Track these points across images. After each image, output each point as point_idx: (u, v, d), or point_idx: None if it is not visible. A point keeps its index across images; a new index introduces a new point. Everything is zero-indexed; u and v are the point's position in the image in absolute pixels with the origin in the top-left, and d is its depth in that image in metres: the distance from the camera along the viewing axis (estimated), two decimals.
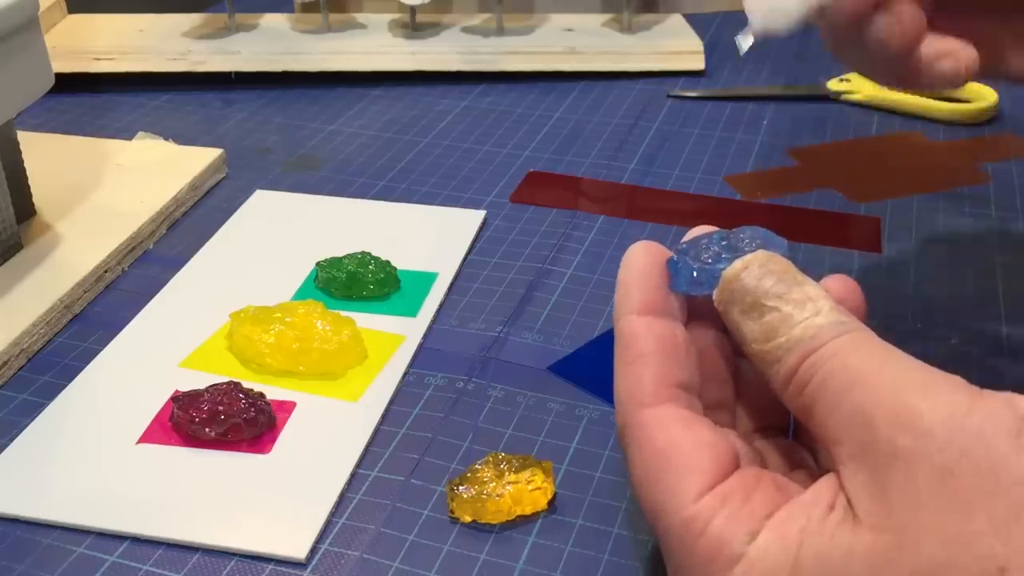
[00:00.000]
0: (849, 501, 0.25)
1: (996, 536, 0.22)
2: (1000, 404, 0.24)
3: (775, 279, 0.29)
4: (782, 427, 0.33)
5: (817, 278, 0.30)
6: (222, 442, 0.39)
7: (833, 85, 0.70)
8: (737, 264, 0.29)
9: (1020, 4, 0.35)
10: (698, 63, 0.74)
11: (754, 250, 0.30)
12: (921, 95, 0.67)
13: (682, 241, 0.32)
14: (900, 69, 0.35)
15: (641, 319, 0.31)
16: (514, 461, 0.37)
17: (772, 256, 0.29)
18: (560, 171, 0.61)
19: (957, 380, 0.25)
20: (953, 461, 0.23)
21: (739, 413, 0.33)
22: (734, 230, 0.32)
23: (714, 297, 0.30)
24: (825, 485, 0.26)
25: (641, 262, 0.31)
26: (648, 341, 0.30)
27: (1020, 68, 0.37)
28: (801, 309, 0.28)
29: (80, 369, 0.44)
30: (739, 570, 0.26)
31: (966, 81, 0.35)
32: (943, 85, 0.35)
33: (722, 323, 0.33)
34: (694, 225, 0.33)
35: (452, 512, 0.36)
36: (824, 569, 0.24)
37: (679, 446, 0.28)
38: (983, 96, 0.66)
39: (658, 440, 0.28)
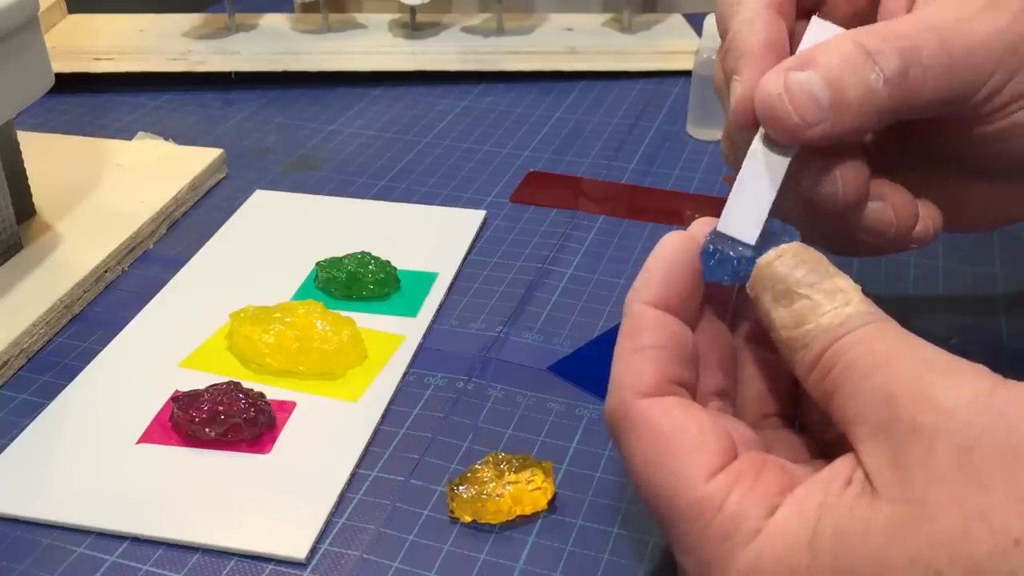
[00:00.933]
0: (867, 477, 0.25)
1: (1013, 509, 0.23)
2: (1022, 390, 0.24)
3: (807, 269, 0.29)
4: (785, 418, 0.34)
5: None
6: (222, 442, 0.39)
7: None
8: (771, 253, 0.30)
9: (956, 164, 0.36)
10: None
11: (779, 241, 0.31)
12: None
13: (719, 233, 0.32)
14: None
15: (654, 311, 0.31)
16: (514, 461, 0.37)
17: (806, 247, 0.30)
18: (560, 171, 0.61)
19: (980, 367, 0.26)
20: (973, 439, 0.24)
21: (742, 403, 0.34)
22: None
23: (748, 285, 0.30)
24: (842, 463, 0.27)
25: (672, 254, 0.32)
26: (657, 334, 0.30)
27: (963, 225, 0.38)
28: (831, 299, 0.28)
29: (80, 369, 0.44)
30: (757, 544, 0.26)
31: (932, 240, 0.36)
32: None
33: (728, 314, 0.33)
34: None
35: (452, 512, 0.36)
36: (842, 541, 0.25)
37: (684, 430, 0.28)
38: None
39: (661, 425, 0.28)
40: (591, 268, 0.51)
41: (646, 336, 0.30)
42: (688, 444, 0.28)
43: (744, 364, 0.34)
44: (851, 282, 0.29)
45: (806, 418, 0.33)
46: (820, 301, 0.28)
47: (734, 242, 0.31)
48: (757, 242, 0.31)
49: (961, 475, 0.24)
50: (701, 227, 0.32)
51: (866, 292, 0.28)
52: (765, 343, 0.31)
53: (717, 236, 0.32)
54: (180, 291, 0.50)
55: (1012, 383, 0.25)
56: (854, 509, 0.25)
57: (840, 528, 0.25)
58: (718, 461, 0.28)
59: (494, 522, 0.36)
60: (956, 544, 0.23)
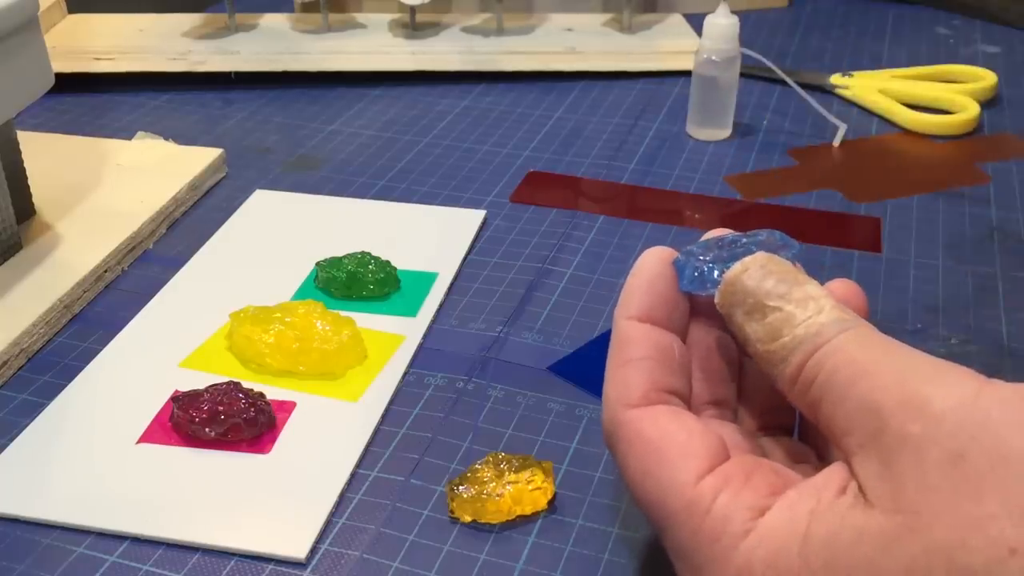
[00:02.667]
0: (860, 487, 0.25)
1: (1008, 519, 0.23)
2: (1009, 392, 0.24)
3: (776, 280, 0.29)
4: (786, 427, 0.34)
5: (819, 280, 0.30)
6: (222, 442, 0.39)
7: (835, 79, 0.71)
8: (736, 267, 0.30)
9: None
10: None
11: (767, 252, 0.30)
12: (904, 104, 0.67)
13: (699, 244, 0.32)
14: None
15: (639, 325, 0.31)
16: (514, 461, 0.37)
17: (771, 257, 0.30)
18: (560, 171, 0.61)
19: (965, 369, 0.25)
20: (963, 446, 0.24)
21: (743, 412, 0.34)
22: (750, 232, 0.32)
23: (716, 300, 0.30)
24: (836, 471, 0.26)
25: (651, 269, 0.32)
26: (642, 347, 0.30)
27: None
28: (803, 308, 0.28)
29: (80, 369, 0.44)
30: (746, 546, 0.26)
31: None
32: None
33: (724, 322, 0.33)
34: (694, 225, 0.34)
35: (452, 512, 0.36)
36: (834, 548, 0.25)
37: (671, 436, 0.28)
38: (965, 108, 0.66)
39: (649, 432, 0.29)
40: (591, 268, 0.51)
41: (632, 349, 0.30)
42: (676, 449, 0.28)
43: (746, 373, 0.34)
44: (821, 288, 0.29)
45: (803, 428, 0.33)
46: (793, 312, 0.28)
47: (705, 253, 0.31)
48: (720, 255, 0.31)
49: (953, 484, 0.23)
50: (708, 236, 0.32)
51: (864, 293, 0.28)
52: None
53: (693, 248, 0.32)
54: (180, 291, 0.50)
55: (998, 383, 0.25)
56: (847, 518, 0.25)
57: (832, 535, 0.25)
58: (706, 464, 0.27)
59: (494, 522, 0.36)
60: (952, 553, 0.23)
